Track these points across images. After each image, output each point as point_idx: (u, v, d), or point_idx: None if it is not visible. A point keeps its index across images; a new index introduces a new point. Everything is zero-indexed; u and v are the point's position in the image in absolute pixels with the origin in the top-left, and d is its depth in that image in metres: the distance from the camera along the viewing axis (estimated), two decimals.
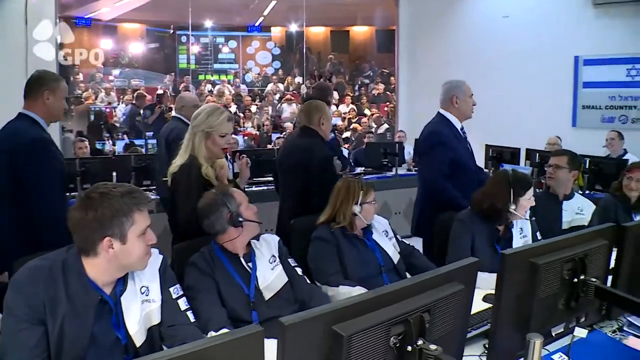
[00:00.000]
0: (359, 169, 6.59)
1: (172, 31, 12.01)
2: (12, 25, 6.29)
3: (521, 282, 1.53)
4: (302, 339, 1.08)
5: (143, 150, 8.72)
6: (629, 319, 2.05)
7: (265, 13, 12.05)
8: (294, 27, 12.85)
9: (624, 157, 5.25)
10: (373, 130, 10.10)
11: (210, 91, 12.00)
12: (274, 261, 2.30)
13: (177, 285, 1.92)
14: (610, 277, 1.93)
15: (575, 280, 1.63)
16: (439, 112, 3.47)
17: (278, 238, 2.40)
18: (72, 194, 4.89)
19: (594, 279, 1.62)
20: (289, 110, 11.49)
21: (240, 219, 2.20)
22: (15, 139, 2.59)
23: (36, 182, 2.57)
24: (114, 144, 9.08)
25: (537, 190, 5.06)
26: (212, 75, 12.38)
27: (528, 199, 2.68)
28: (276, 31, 13.02)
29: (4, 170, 2.57)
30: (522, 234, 2.76)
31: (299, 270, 2.38)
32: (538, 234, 2.83)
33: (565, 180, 3.33)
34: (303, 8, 11.44)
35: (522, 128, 6.51)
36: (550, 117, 6.71)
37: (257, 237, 2.33)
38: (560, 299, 1.63)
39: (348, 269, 2.59)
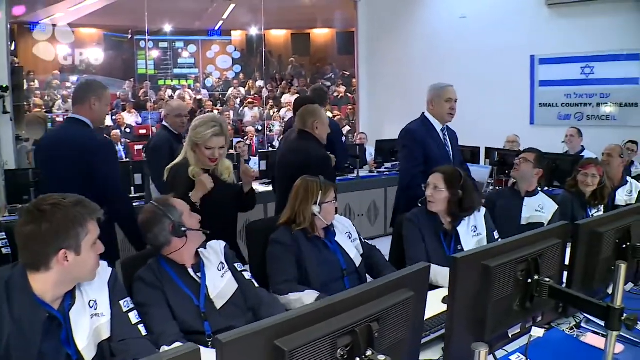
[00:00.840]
0: None
1: (130, 36, 11.73)
2: None
3: (474, 285, 1.50)
4: (241, 356, 1.02)
5: None
6: (586, 316, 2.07)
7: (225, 17, 11.90)
8: (254, 31, 12.73)
9: (582, 154, 5.35)
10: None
11: (171, 96, 11.79)
12: (223, 268, 2.23)
13: (128, 299, 1.86)
14: (566, 274, 1.95)
15: (529, 280, 1.61)
16: (422, 113, 3.63)
17: (224, 244, 2.33)
18: (19, 206, 4.74)
19: (547, 279, 1.60)
20: (251, 114, 11.39)
21: (183, 229, 2.11)
22: (81, 145, 2.88)
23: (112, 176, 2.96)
24: None
25: (498, 187, 5.16)
26: (172, 81, 12.15)
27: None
28: (236, 35, 12.88)
29: (76, 170, 2.84)
30: (475, 232, 2.77)
31: (246, 275, 2.30)
32: (495, 233, 2.84)
33: (528, 175, 3.39)
34: (262, 11, 11.35)
35: (482, 127, 6.57)
36: (509, 115, 6.82)
37: (204, 246, 2.25)
38: (515, 300, 1.61)
39: (309, 273, 2.52)
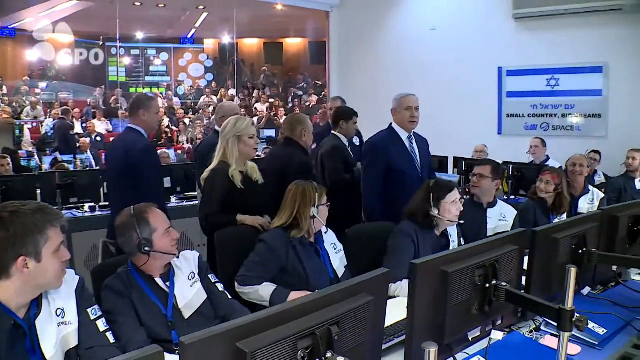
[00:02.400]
0: None
1: (101, 43, 11.60)
2: None
3: (433, 290, 1.55)
4: (204, 358, 1.05)
5: (71, 167, 8.40)
6: (545, 319, 2.13)
7: (197, 25, 11.88)
8: (227, 39, 12.73)
9: (547, 163, 5.49)
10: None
11: None
12: (193, 278, 2.23)
13: (96, 307, 1.85)
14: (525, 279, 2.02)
15: (487, 285, 1.67)
16: (390, 123, 3.70)
17: (198, 254, 2.32)
18: None
19: (504, 284, 1.66)
20: None
21: (147, 249, 2.08)
22: (131, 148, 3.43)
23: (147, 176, 3.44)
24: (41, 161, 8.66)
25: (465, 197, 5.26)
26: (143, 88, 12.04)
27: (452, 202, 2.75)
28: (209, 43, 12.86)
29: (126, 171, 3.41)
30: (451, 240, 2.85)
31: (219, 287, 2.31)
32: (462, 239, 2.91)
33: (489, 189, 3.43)
34: (234, 20, 11.36)
35: (451, 137, 6.69)
36: (478, 125, 6.96)
37: (177, 255, 2.22)
38: (473, 305, 1.67)
39: (310, 278, 2.56)
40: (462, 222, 2.88)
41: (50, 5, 10.26)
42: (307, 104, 12.53)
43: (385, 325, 1.56)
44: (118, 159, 3.51)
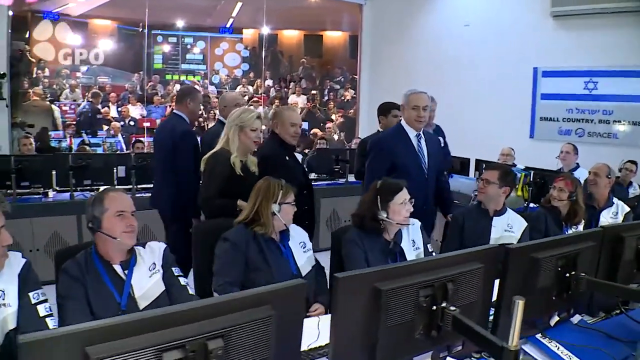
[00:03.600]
0: (312, 175, 6.43)
1: (141, 29, 11.74)
2: None
3: (363, 308, 1.37)
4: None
5: (99, 149, 8.55)
6: None
7: (234, 14, 11.85)
8: (266, 30, 12.66)
9: (575, 172, 5.15)
10: (336, 136, 9.97)
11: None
12: (154, 269, 2.18)
13: (40, 291, 1.86)
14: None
15: (434, 308, 1.47)
16: (400, 120, 3.60)
17: (165, 246, 2.27)
18: (8, 191, 4.75)
19: (453, 308, 1.46)
20: None
21: (91, 225, 2.07)
22: (173, 131, 3.77)
23: (183, 159, 3.71)
24: (72, 142, 8.86)
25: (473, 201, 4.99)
26: (179, 76, 12.13)
27: (400, 204, 2.61)
28: (248, 33, 12.82)
29: (168, 150, 3.76)
30: (414, 246, 2.69)
31: (182, 280, 2.24)
32: (429, 246, 2.77)
33: (494, 195, 3.18)
34: (264, 11, 11.28)
35: (479, 138, 6.42)
36: (508, 127, 6.64)
37: (143, 244, 2.21)
38: (417, 328, 1.47)
39: (260, 274, 2.47)
40: (412, 223, 2.73)
41: None
42: (342, 98, 12.33)
43: (312, 347, 1.40)
44: (162, 141, 3.90)
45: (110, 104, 10.52)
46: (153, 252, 2.22)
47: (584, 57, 6.13)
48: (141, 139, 7.72)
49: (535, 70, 6.58)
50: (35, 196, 5.03)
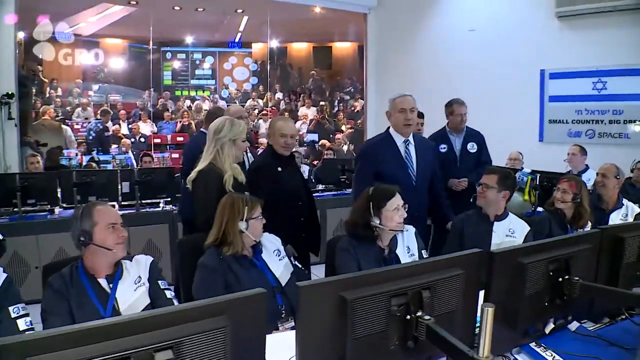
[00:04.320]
0: (320, 186, 6.38)
1: (150, 47, 11.90)
2: None
3: (329, 317, 1.30)
4: None
5: (109, 166, 8.61)
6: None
7: (241, 29, 11.94)
8: (274, 43, 12.74)
9: (585, 174, 5.01)
10: (346, 147, 9.92)
11: (189, 107, 11.86)
12: (139, 282, 2.18)
13: (20, 305, 1.89)
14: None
15: (408, 317, 1.40)
16: (388, 127, 3.51)
17: (152, 259, 2.28)
18: (14, 209, 4.80)
19: (427, 317, 1.38)
20: (265, 126, 11.37)
21: (82, 239, 2.06)
22: (198, 146, 3.47)
23: None
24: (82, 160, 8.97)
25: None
26: (189, 91, 12.26)
27: (393, 210, 2.56)
28: (257, 47, 12.91)
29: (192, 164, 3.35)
30: (409, 253, 2.62)
31: (168, 294, 2.23)
32: (424, 252, 2.69)
33: (494, 200, 3.09)
34: (281, 24, 11.33)
35: (489, 143, 6.28)
36: (517, 131, 6.50)
37: (130, 258, 2.22)
38: (391, 339, 1.40)
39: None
40: (406, 230, 2.68)
41: (99, 9, 10.60)
42: (352, 108, 12.30)
43: None
44: (188, 157, 3.89)
45: (120, 122, 10.61)
46: (139, 265, 2.22)
47: (592, 56, 5.98)
48: (149, 153, 7.74)
49: (542, 73, 6.44)
50: (41, 213, 5.05)
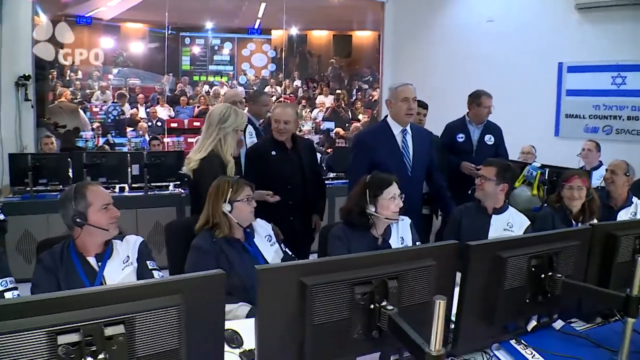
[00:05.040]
0: (331, 174, 6.36)
1: (169, 32, 11.95)
2: None
3: (289, 303, 1.28)
4: None
5: (124, 149, 8.72)
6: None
7: (260, 15, 11.90)
8: (294, 31, 12.69)
9: (597, 170, 4.89)
10: None
11: (207, 92, 11.90)
12: (127, 261, 2.23)
13: (8, 279, 1.96)
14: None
15: (372, 307, 1.37)
16: (385, 116, 3.49)
17: (141, 239, 2.32)
18: (26, 189, 4.90)
19: (390, 307, 1.35)
20: None
21: (79, 220, 2.10)
22: None
23: None
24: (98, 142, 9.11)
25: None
26: (206, 77, 12.29)
27: (389, 198, 2.55)
28: (277, 34, 12.87)
29: None
30: (403, 243, 2.62)
31: (156, 274, 2.27)
32: (418, 243, 2.68)
33: (492, 192, 3.03)
34: (300, 11, 11.26)
35: (505, 136, 6.18)
36: (532, 125, 6.35)
37: (120, 238, 2.27)
38: (354, 328, 1.38)
39: (234, 278, 2.39)
40: (401, 219, 2.66)
41: None
42: (370, 97, 12.21)
43: None
44: None
45: (138, 105, 10.71)
46: (128, 245, 2.27)
47: (611, 50, 5.80)
48: (157, 136, 7.81)
49: (560, 66, 6.27)
50: (53, 193, 5.13)
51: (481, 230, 3.03)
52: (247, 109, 4.70)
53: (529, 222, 3.09)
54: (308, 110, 11.91)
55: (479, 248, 1.62)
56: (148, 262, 2.28)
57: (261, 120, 4.64)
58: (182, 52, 12.18)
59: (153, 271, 2.27)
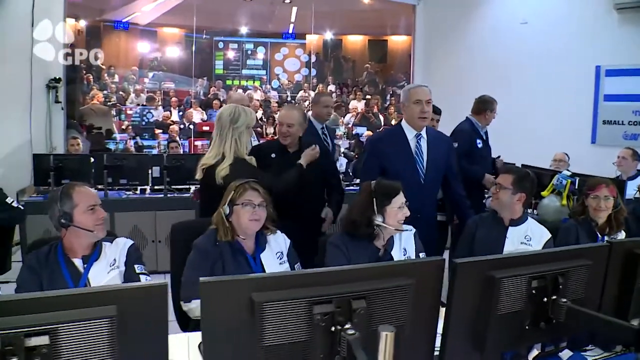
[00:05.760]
0: (357, 180, 6.20)
1: (203, 36, 12.11)
2: (18, 25, 6.36)
3: (237, 323, 1.15)
4: None
5: (154, 151, 8.81)
6: None
7: (292, 20, 11.90)
8: (329, 35, 12.66)
9: (634, 180, 4.58)
10: None
11: None
12: (114, 264, 2.20)
13: None
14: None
15: (333, 329, 1.22)
16: (400, 119, 3.35)
17: (131, 242, 2.29)
18: (49, 188, 4.98)
19: (351, 332, 1.20)
20: None
21: (64, 221, 2.09)
22: None
23: None
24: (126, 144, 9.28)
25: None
26: (239, 82, 12.38)
27: (398, 208, 2.40)
28: (312, 39, 12.87)
29: None
30: (405, 255, 2.46)
31: (143, 278, 2.21)
32: (422, 254, 2.51)
33: (508, 202, 2.81)
34: (334, 16, 11.21)
35: (534, 142, 5.94)
36: (568, 131, 6.08)
37: (111, 240, 2.26)
38: (314, 351, 1.23)
39: None
40: (406, 230, 2.49)
41: None
42: None
43: None
44: None
45: (172, 109, 10.85)
46: (117, 248, 2.24)
47: None
48: (176, 139, 7.86)
49: (598, 69, 5.95)
50: None
51: (496, 242, 2.82)
52: (310, 112, 4.65)
53: (549, 235, 2.86)
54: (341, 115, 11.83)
55: (467, 266, 1.45)
56: (136, 266, 2.24)
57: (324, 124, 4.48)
58: (215, 57, 12.30)
59: (140, 275, 2.22)
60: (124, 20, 11.44)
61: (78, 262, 2.14)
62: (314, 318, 1.21)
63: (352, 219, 2.47)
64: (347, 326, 1.22)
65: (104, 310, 1.07)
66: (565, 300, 1.56)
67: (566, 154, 5.36)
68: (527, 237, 2.82)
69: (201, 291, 1.14)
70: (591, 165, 5.09)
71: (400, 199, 2.43)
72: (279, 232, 2.50)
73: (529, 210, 4.64)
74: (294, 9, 11.39)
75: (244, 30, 12.44)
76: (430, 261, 1.43)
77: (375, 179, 2.83)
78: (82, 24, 10.74)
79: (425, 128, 3.21)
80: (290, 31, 12.54)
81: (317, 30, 12.52)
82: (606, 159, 5.37)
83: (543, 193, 4.35)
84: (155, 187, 5.49)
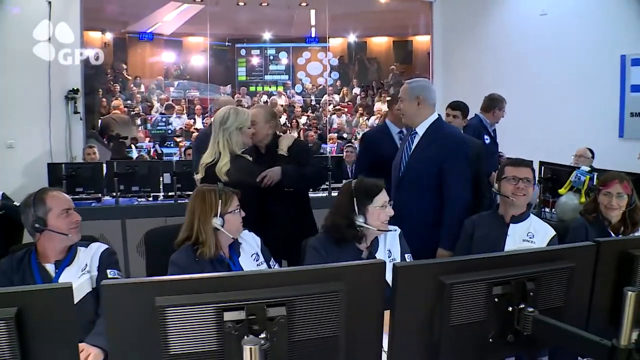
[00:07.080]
0: None
1: (227, 44, 12.23)
2: (35, 37, 6.48)
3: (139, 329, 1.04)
4: None
5: (174, 158, 8.88)
6: None
7: (313, 23, 11.87)
8: (352, 38, 12.60)
9: None
10: None
11: (266, 102, 12.00)
12: (84, 269, 2.19)
13: None
14: None
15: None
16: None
17: (105, 247, 2.28)
18: None
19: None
20: (337, 121, 11.25)
21: (37, 225, 2.11)
22: None
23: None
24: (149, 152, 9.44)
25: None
26: (262, 87, 12.43)
27: (380, 207, 2.29)
28: (336, 42, 12.83)
29: None
30: (390, 257, 2.34)
31: None
32: (407, 256, 2.39)
33: (532, 198, 2.69)
34: (326, 17, 11.13)
35: (562, 138, 5.65)
36: (594, 125, 5.78)
37: (86, 245, 2.25)
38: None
39: None
40: (391, 230, 2.36)
41: (171, 8, 11.02)
42: None
43: None
44: None
45: (195, 117, 10.96)
46: (90, 253, 2.23)
47: None
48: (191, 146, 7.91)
49: (623, 59, 5.63)
50: (87, 201, 5.25)
51: (496, 241, 2.64)
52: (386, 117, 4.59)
53: (554, 233, 2.67)
54: (366, 118, 11.72)
55: (411, 271, 1.29)
56: (109, 271, 2.22)
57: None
58: (237, 64, 12.39)
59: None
60: (148, 31, 11.66)
61: (50, 267, 2.15)
62: (225, 326, 1.10)
63: (333, 222, 2.36)
64: (261, 336, 1.10)
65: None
66: (532, 309, 1.38)
67: (589, 149, 5.07)
68: (530, 235, 2.66)
69: (103, 296, 1.06)
70: (619, 160, 4.82)
71: (382, 197, 2.31)
72: (246, 230, 2.44)
73: (547, 210, 4.43)
74: (312, 12, 11.34)
75: (267, 36, 12.51)
76: (366, 264, 1.29)
77: (363, 173, 2.72)
78: (109, 36, 11.02)
79: (426, 127, 2.98)
80: (313, 35, 12.52)
81: (338, 32, 12.47)
82: (635, 153, 5.07)
83: (560, 191, 4.14)
84: (169, 194, 5.48)
